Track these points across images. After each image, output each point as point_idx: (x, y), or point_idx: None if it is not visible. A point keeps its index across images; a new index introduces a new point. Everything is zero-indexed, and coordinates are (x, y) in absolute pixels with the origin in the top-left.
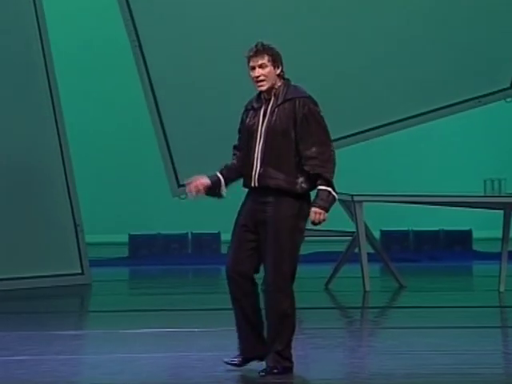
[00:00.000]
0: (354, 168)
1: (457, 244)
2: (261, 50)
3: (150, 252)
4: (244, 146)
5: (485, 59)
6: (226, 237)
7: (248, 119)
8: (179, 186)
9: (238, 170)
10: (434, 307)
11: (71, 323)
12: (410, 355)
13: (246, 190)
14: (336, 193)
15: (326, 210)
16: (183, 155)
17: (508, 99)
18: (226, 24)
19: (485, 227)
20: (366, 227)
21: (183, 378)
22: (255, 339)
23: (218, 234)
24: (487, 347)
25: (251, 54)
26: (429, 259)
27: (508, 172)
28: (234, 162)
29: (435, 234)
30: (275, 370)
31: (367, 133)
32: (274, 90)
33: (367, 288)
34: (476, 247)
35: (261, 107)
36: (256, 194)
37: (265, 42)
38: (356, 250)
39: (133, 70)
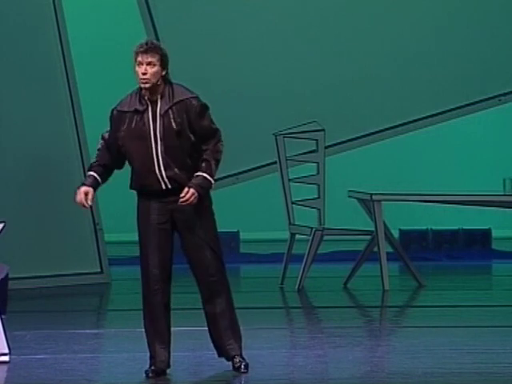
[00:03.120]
0: (372, 167)
1: (476, 243)
2: (152, 48)
3: None
4: (135, 151)
5: (505, 57)
6: (246, 236)
7: (132, 123)
8: None
9: (109, 167)
10: (453, 306)
11: (90, 322)
12: (428, 354)
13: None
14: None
15: (200, 195)
16: None
17: None
18: (244, 23)
19: (504, 226)
20: (385, 226)
21: (203, 377)
22: None
23: (237, 232)
24: (507, 346)
25: (141, 49)
26: (448, 258)
27: None
28: (102, 157)
29: (454, 233)
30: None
31: (385, 132)
32: (158, 92)
33: (386, 287)
34: (495, 246)
35: (145, 110)
36: (167, 196)
37: (155, 41)
38: (375, 249)
39: None
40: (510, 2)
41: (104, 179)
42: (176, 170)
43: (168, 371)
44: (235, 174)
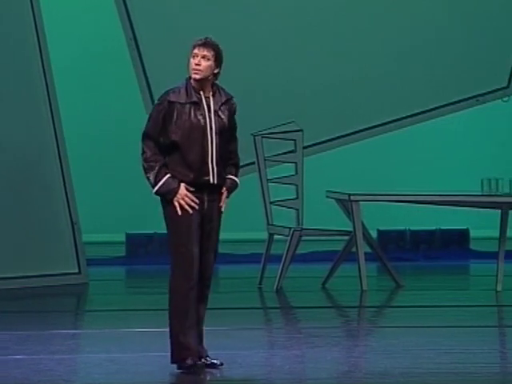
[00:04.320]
0: (351, 167)
1: (454, 243)
2: (209, 43)
3: (147, 251)
4: (191, 142)
5: (483, 58)
6: (224, 236)
7: (191, 114)
8: None
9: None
10: (430, 306)
11: (68, 322)
12: (406, 354)
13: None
14: None
15: (228, 197)
16: None
17: (505, 98)
18: (223, 21)
19: (482, 226)
20: (363, 226)
21: (180, 378)
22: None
23: None
24: (484, 346)
25: (199, 43)
26: (426, 258)
27: (505, 171)
28: (161, 157)
29: (432, 233)
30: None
31: (363, 132)
32: (210, 89)
33: (364, 287)
34: (473, 246)
35: (200, 102)
36: (207, 191)
37: (214, 39)
38: (353, 250)
39: (130, 68)
40: (487, 3)
41: None
42: (220, 166)
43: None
44: None
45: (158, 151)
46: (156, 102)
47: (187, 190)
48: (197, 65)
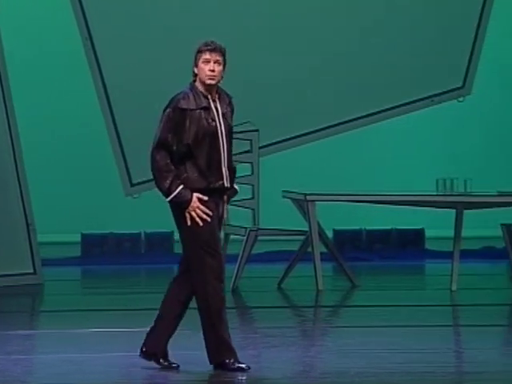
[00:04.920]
0: (306, 167)
1: (409, 243)
2: (219, 47)
3: (102, 251)
4: (204, 148)
5: (438, 59)
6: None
7: (203, 120)
8: (132, 185)
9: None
10: (386, 306)
11: (23, 323)
12: (361, 354)
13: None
14: None
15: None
16: (136, 154)
17: (460, 98)
18: (179, 21)
19: (437, 226)
20: (319, 226)
21: (136, 378)
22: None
23: (171, 233)
24: (439, 346)
25: (210, 48)
26: (381, 258)
27: (460, 171)
28: (173, 167)
29: (388, 233)
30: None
31: (319, 132)
32: (216, 91)
33: (320, 287)
34: (428, 246)
35: (209, 106)
36: (219, 194)
37: (218, 42)
38: (309, 249)
39: (86, 67)
40: (444, 4)
41: None
42: (230, 169)
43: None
44: None
45: (171, 161)
46: (165, 109)
47: (200, 200)
48: (212, 71)
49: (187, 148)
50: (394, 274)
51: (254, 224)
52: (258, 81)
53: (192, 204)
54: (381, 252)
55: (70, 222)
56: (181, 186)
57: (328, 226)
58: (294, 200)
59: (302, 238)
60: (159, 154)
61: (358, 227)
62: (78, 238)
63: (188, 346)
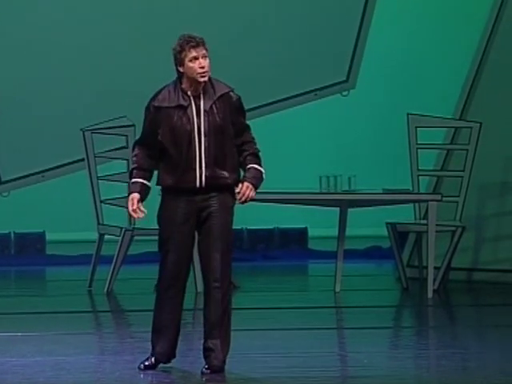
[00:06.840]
0: None
1: (292, 242)
2: (201, 41)
3: None
4: (178, 147)
5: (321, 52)
6: (52, 236)
7: (174, 118)
8: (1, 183)
9: (151, 170)
10: (267, 308)
11: None
12: (242, 358)
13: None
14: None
15: (256, 187)
16: (6, 152)
17: (344, 92)
18: (67, 25)
19: (320, 225)
20: None
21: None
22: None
23: (43, 233)
24: (322, 349)
25: (193, 44)
26: (263, 258)
27: (344, 168)
28: (143, 161)
29: (270, 233)
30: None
31: None
32: (201, 86)
33: (199, 289)
34: (311, 246)
35: (189, 105)
36: (196, 194)
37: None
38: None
39: None
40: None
41: (149, 183)
42: (216, 168)
43: (171, 364)
44: (41, 172)
45: (146, 156)
46: (145, 107)
47: (170, 194)
48: (202, 67)
49: (162, 145)
50: (276, 275)
51: (130, 224)
52: (134, 78)
53: (128, 198)
54: (263, 252)
55: None
56: (133, 180)
57: None
58: None
59: None
60: (135, 148)
61: (239, 227)
62: None
63: (56, 351)
